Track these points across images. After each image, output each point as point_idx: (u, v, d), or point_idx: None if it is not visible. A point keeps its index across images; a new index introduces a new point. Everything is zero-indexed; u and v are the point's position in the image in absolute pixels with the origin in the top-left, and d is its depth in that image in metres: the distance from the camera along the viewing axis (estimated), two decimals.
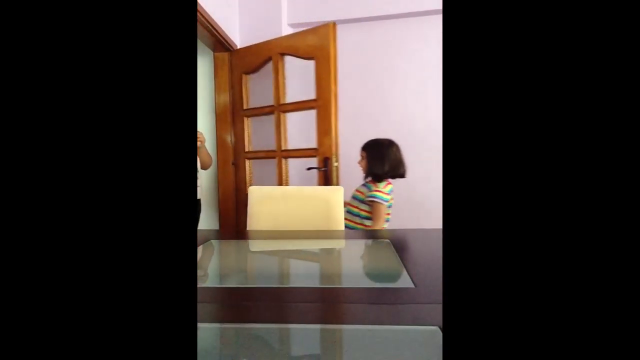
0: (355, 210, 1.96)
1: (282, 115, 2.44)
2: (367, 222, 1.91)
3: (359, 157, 1.98)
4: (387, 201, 1.88)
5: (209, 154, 2.28)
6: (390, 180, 1.95)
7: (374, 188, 1.90)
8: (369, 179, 1.96)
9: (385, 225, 1.91)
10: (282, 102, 2.43)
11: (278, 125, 2.45)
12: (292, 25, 2.74)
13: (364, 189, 1.95)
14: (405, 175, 1.96)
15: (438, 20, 2.60)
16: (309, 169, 2.33)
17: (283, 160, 2.49)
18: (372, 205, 1.88)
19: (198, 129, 2.19)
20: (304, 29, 2.74)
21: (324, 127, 2.23)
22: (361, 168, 1.98)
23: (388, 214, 1.92)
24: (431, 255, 1.11)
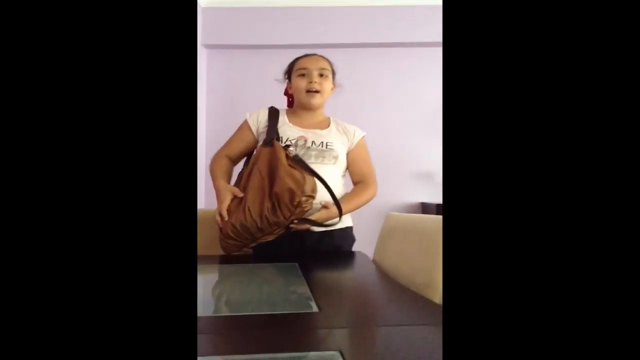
0: None
1: None
2: None
3: None
4: None
5: None
6: None
7: None
8: None
9: None
10: None
11: None
12: (207, 46, 2.62)
13: None
14: None
15: (349, 54, 2.66)
16: None
17: None
18: None
19: None
20: (220, 50, 2.64)
21: None
22: None
23: None
24: (339, 278, 1.09)
